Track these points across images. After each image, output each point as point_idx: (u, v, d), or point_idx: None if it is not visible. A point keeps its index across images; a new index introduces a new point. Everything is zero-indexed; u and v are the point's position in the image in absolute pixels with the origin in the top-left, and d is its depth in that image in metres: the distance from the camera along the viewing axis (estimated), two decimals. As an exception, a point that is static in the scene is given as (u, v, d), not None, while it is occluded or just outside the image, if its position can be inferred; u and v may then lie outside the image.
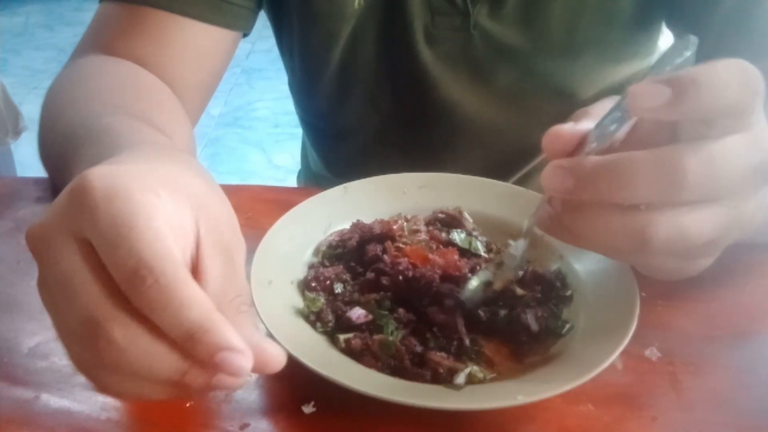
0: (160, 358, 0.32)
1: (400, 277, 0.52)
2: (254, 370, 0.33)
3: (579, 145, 0.40)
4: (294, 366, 0.45)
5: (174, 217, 0.34)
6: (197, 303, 0.31)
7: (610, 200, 0.38)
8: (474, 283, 0.52)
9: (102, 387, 0.35)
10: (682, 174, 0.36)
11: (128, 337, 0.32)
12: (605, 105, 0.42)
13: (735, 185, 0.37)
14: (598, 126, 0.40)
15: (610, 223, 0.38)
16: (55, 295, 0.34)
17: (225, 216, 0.38)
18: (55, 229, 0.34)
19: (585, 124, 0.41)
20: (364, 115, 0.83)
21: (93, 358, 0.33)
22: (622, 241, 0.38)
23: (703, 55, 0.76)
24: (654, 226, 0.37)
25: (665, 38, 0.81)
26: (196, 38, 0.70)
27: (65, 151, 0.54)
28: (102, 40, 0.70)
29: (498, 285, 0.52)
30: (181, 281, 0.31)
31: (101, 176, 0.33)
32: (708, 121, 0.36)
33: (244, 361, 0.32)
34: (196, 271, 0.35)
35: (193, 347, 0.31)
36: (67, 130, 0.56)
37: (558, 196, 0.40)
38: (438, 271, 0.53)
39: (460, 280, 0.53)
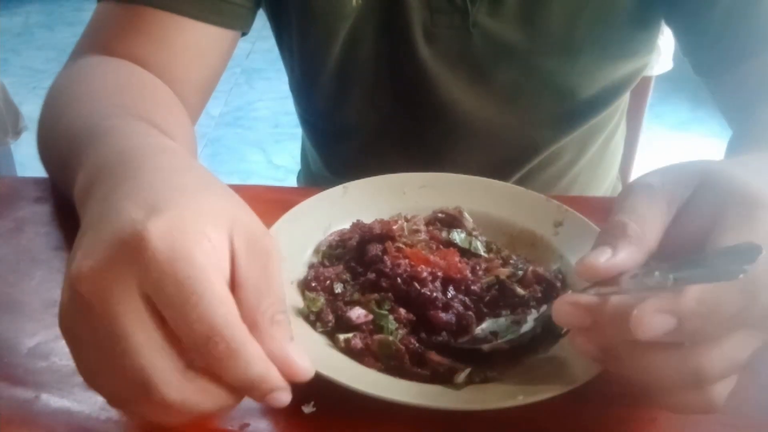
0: (207, 404, 0.36)
1: (399, 280, 0.52)
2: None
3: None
4: (294, 366, 0.45)
5: (219, 250, 0.37)
6: (260, 360, 0.35)
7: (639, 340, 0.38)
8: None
9: (132, 417, 0.39)
10: (721, 314, 0.36)
11: (181, 397, 0.35)
12: (641, 208, 0.42)
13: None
14: (636, 281, 0.39)
15: (655, 364, 0.38)
16: (101, 342, 0.35)
17: (255, 224, 0.40)
18: (113, 280, 0.35)
19: (623, 254, 0.40)
20: (363, 114, 0.83)
21: (135, 403, 0.36)
22: (677, 381, 0.38)
23: (701, 53, 0.77)
24: (707, 361, 0.38)
25: (664, 37, 0.81)
26: (195, 38, 0.70)
27: (68, 152, 0.54)
28: (101, 41, 0.70)
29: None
30: (246, 343, 0.35)
31: (160, 235, 0.35)
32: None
33: (286, 396, 0.37)
34: (233, 284, 0.37)
35: (251, 393, 0.36)
36: (68, 130, 0.56)
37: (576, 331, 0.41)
38: (439, 274, 0.53)
39: (461, 282, 0.53)
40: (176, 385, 0.35)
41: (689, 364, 0.38)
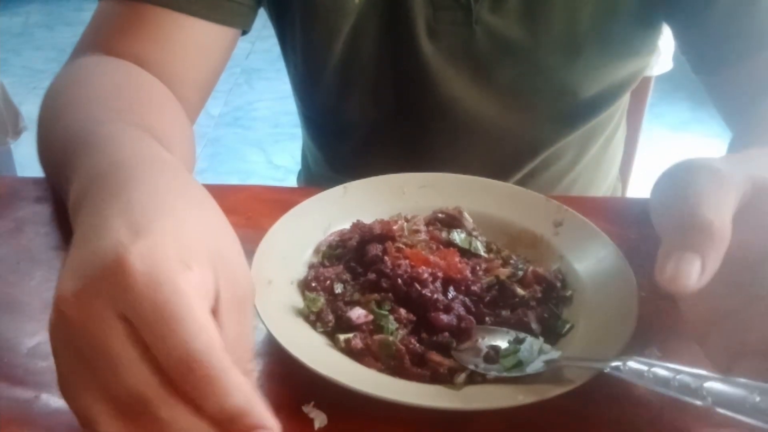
0: None
1: (400, 281, 0.52)
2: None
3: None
4: (294, 366, 0.45)
5: (202, 284, 0.36)
6: (239, 389, 0.34)
7: None
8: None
9: None
10: None
11: (173, 417, 0.34)
12: (717, 198, 0.40)
13: None
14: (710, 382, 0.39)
15: None
16: (90, 362, 0.35)
17: (240, 266, 0.40)
18: (94, 303, 0.35)
19: (711, 266, 0.39)
20: (364, 111, 0.83)
21: (124, 425, 0.35)
22: None
23: (700, 51, 0.77)
24: None
25: (664, 38, 0.81)
26: (195, 36, 0.70)
27: (63, 156, 0.54)
28: (101, 39, 0.70)
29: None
30: (226, 371, 0.34)
31: (141, 259, 0.35)
32: None
33: None
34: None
35: (230, 427, 0.34)
36: (65, 133, 0.56)
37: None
38: (440, 275, 0.53)
39: (461, 283, 0.53)
40: (168, 403, 0.34)
41: None
